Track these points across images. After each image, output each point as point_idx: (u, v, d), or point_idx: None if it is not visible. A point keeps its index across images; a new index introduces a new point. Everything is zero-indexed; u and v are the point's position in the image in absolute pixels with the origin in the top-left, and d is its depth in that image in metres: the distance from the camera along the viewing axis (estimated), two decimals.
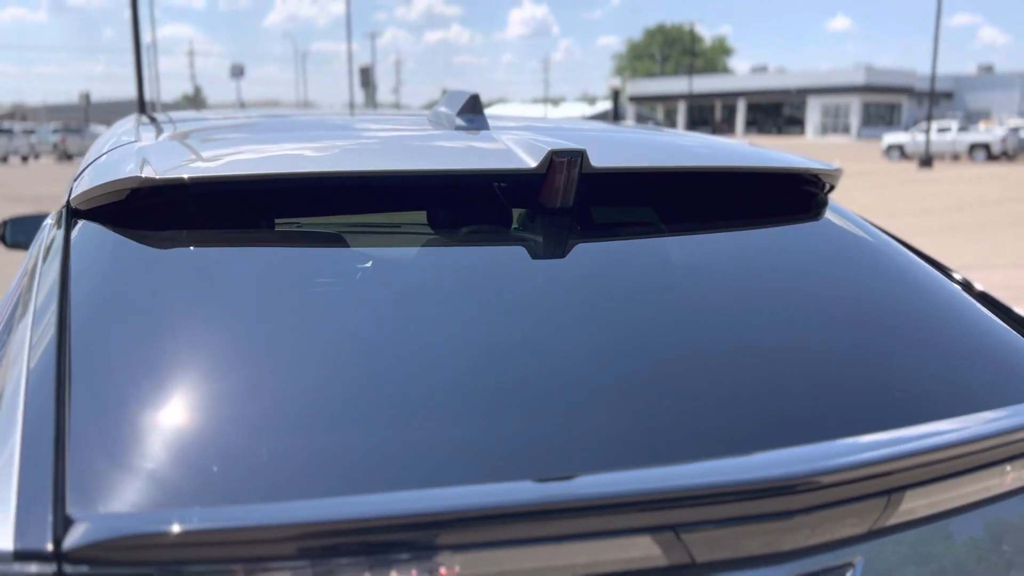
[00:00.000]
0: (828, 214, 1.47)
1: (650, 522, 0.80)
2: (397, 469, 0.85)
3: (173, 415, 0.86)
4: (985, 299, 1.35)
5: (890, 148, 32.55)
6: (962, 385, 1.13)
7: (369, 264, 1.18)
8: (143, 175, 1.09)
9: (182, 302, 1.04)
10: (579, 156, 1.16)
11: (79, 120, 52.09)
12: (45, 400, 0.84)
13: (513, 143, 1.26)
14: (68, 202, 1.21)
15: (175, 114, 1.98)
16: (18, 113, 77.58)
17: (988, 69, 67.11)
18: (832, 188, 1.54)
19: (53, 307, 0.99)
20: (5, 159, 35.21)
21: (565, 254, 1.22)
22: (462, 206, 1.26)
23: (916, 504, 0.90)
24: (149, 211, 1.13)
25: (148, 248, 1.10)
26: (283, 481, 0.81)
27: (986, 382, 1.14)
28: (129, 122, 1.78)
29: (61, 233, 1.16)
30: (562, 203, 1.20)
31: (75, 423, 0.82)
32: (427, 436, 0.90)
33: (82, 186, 1.20)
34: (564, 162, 1.16)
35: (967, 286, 1.38)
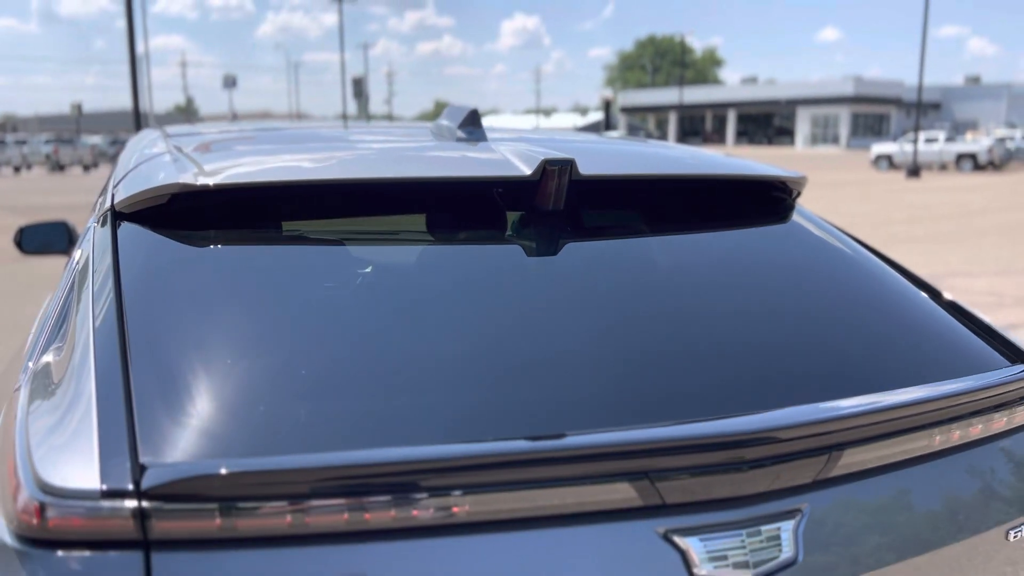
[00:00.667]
0: (795, 217, 1.62)
1: (628, 468, 0.95)
2: (413, 428, 1.00)
3: (218, 382, 1.01)
4: (929, 290, 1.51)
5: (879, 158, 32.92)
6: (904, 363, 1.29)
7: (382, 259, 1.33)
8: (181, 181, 1.24)
9: (218, 287, 1.19)
10: (569, 164, 1.31)
11: (71, 131, 52.21)
12: (113, 372, 0.99)
13: (509, 153, 1.42)
14: (112, 206, 1.36)
15: (188, 127, 2.13)
16: (9, 124, 77.63)
17: (975, 80, 67.93)
18: (799, 194, 1.69)
19: (110, 293, 1.14)
20: None
21: (557, 252, 1.37)
22: (464, 210, 1.42)
23: (854, 460, 1.05)
24: (186, 212, 1.28)
25: (185, 244, 1.25)
26: (311, 435, 0.97)
27: (924, 362, 1.30)
28: (151, 136, 1.94)
29: (108, 232, 1.31)
30: (554, 207, 1.35)
31: (139, 389, 0.97)
32: (435, 404, 1.05)
33: (123, 193, 1.35)
34: (556, 170, 1.31)
35: (919, 282, 1.53)
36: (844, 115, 58.94)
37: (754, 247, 1.54)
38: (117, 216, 1.34)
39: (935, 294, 1.50)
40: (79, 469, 0.87)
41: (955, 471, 1.15)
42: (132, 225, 1.30)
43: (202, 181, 1.25)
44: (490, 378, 1.11)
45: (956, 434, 1.14)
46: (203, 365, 1.03)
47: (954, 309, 1.46)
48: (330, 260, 1.30)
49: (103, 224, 1.37)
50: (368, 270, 1.30)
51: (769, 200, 1.66)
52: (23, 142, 38.38)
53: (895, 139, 44.50)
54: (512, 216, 1.40)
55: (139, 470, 0.86)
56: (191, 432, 0.94)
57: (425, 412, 1.03)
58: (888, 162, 32.43)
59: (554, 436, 0.97)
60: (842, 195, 19.40)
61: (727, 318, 1.32)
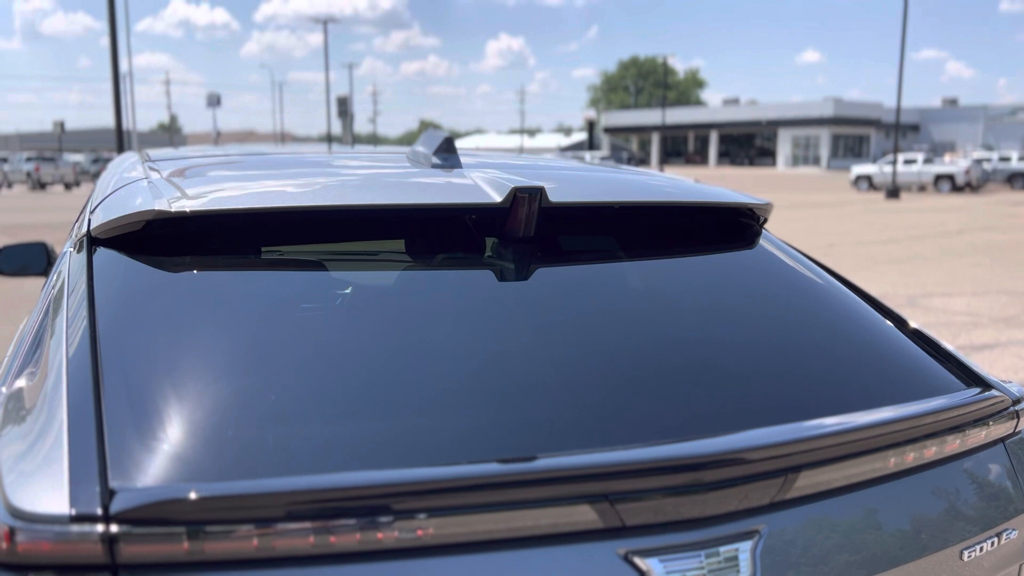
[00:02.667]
0: (761, 242, 1.66)
1: (589, 491, 0.97)
2: (379, 451, 1.02)
3: (190, 408, 1.03)
4: (890, 315, 1.55)
5: (858, 179, 33.35)
6: (865, 388, 1.32)
7: (355, 285, 1.36)
8: (156, 208, 1.26)
9: (193, 313, 1.21)
10: (539, 192, 1.35)
11: (53, 149, 51.95)
12: (85, 397, 1.01)
13: (481, 180, 1.45)
14: (88, 232, 1.38)
15: (170, 151, 2.15)
16: None
17: (953, 102, 68.95)
18: (765, 220, 1.74)
19: (84, 319, 1.16)
20: None
21: (527, 277, 1.40)
22: (436, 236, 1.45)
23: (811, 481, 1.08)
24: (162, 239, 1.30)
25: (160, 270, 1.27)
26: (279, 460, 0.99)
27: (885, 386, 1.33)
28: (130, 160, 1.96)
29: (83, 258, 1.33)
30: (524, 233, 1.38)
31: (110, 414, 0.99)
32: (402, 428, 1.07)
33: (100, 218, 1.37)
34: (525, 197, 1.35)
35: (882, 308, 1.57)
36: (824, 136, 59.67)
37: (721, 272, 1.58)
38: (93, 241, 1.36)
39: (897, 319, 1.54)
40: (49, 494, 0.89)
41: (910, 492, 1.18)
42: (108, 251, 1.32)
43: (177, 208, 1.27)
44: (456, 402, 1.13)
45: (911, 456, 1.17)
46: (175, 390, 1.05)
47: (914, 334, 1.50)
48: (303, 286, 1.33)
49: (79, 249, 1.39)
50: (341, 295, 1.33)
51: (737, 226, 1.70)
52: (4, 160, 38.14)
53: (875, 160, 45.10)
54: (483, 243, 1.44)
55: (108, 494, 0.88)
56: (162, 457, 0.95)
57: (392, 436, 1.06)
58: (868, 183, 32.86)
59: (518, 459, 1.00)
60: (822, 215, 19.61)
61: (693, 342, 1.35)
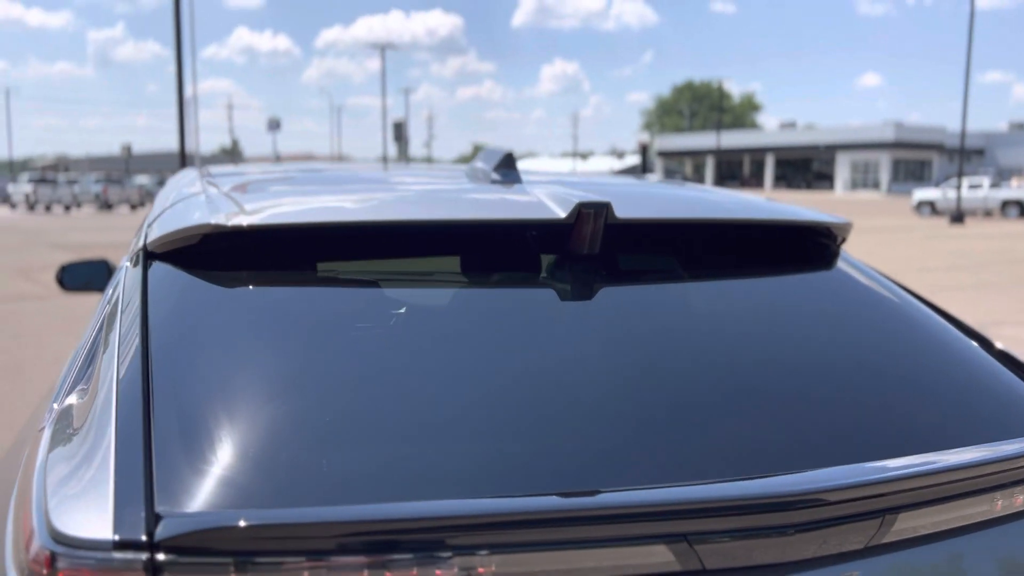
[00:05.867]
0: (840, 264, 1.57)
1: (666, 530, 0.89)
2: (439, 481, 0.96)
3: (242, 429, 0.98)
4: (985, 344, 1.44)
5: (921, 204, 32.47)
6: (956, 420, 1.22)
7: (412, 304, 1.31)
8: (213, 222, 1.23)
9: (247, 331, 1.17)
10: (605, 207, 1.28)
11: (120, 171, 53.72)
12: (133, 416, 0.97)
13: (544, 195, 1.39)
14: (144, 246, 1.36)
15: (229, 168, 2.15)
16: (62, 164, 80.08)
17: (1020, 126, 66.88)
18: (844, 240, 1.64)
19: (136, 335, 1.13)
20: (49, 208, 36.33)
21: (591, 298, 1.33)
22: (496, 253, 1.39)
23: (908, 525, 0.98)
24: (218, 254, 1.27)
25: (215, 286, 1.23)
26: (334, 487, 0.93)
27: (977, 419, 1.23)
28: (189, 175, 1.95)
29: (139, 272, 1.31)
30: (589, 251, 1.32)
31: (159, 436, 0.95)
32: (464, 454, 1.01)
33: (156, 232, 1.35)
34: (591, 213, 1.28)
35: (970, 332, 1.46)
36: (885, 160, 58.39)
37: (797, 295, 1.49)
38: (149, 256, 1.33)
39: (988, 345, 1.43)
40: (93, 518, 0.84)
41: (1019, 539, 1.07)
42: (163, 265, 1.29)
43: (234, 222, 1.24)
44: (521, 430, 1.06)
45: (1019, 499, 1.06)
46: (228, 411, 1.01)
47: (1009, 361, 1.38)
48: (360, 305, 1.28)
49: (135, 264, 1.37)
50: (398, 315, 1.28)
51: (813, 246, 1.61)
52: (74, 182, 39.58)
53: (937, 185, 43.92)
54: (546, 260, 1.37)
55: (154, 520, 0.83)
56: (211, 481, 0.91)
57: (453, 464, 0.99)
58: (931, 208, 31.96)
59: (587, 493, 0.92)
60: (883, 240, 19.09)
61: (770, 369, 1.26)
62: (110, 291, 1.43)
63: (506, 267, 1.38)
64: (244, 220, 1.25)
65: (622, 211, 1.32)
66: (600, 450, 1.04)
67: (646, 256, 1.53)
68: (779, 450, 1.08)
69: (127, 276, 1.36)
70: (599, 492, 0.92)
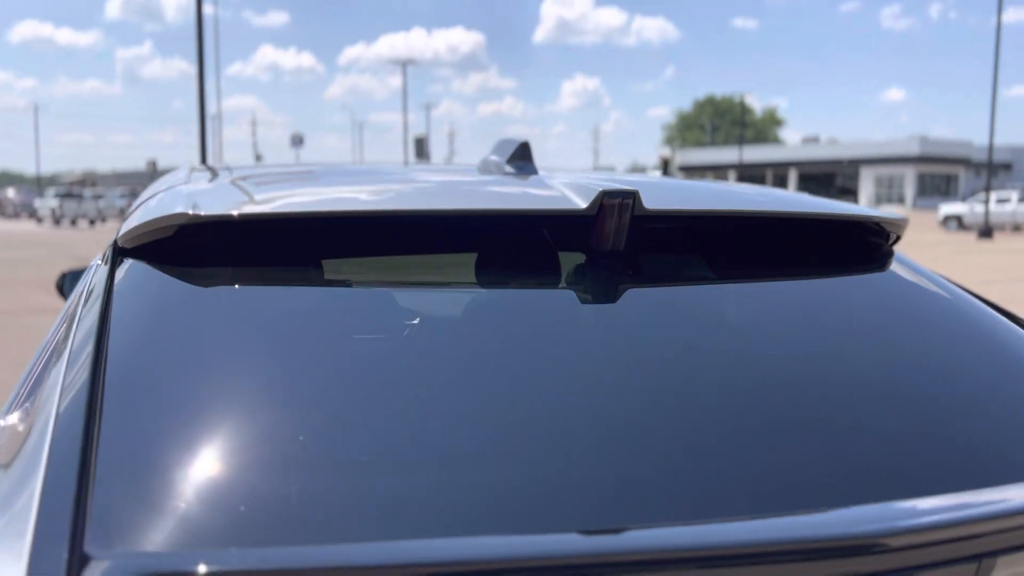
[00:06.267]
0: (894, 266, 1.39)
1: None
2: (441, 516, 0.79)
3: (201, 459, 0.82)
4: None
5: (947, 218, 31.98)
6: None
7: (414, 310, 1.15)
8: (190, 212, 1.08)
9: (216, 342, 1.01)
10: (632, 196, 1.12)
11: (145, 186, 54.30)
12: (72, 438, 0.81)
13: (563, 185, 1.23)
14: (115, 241, 1.21)
15: (227, 164, 2.01)
16: (88, 179, 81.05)
17: None
18: (898, 239, 1.47)
19: (91, 343, 0.97)
20: (74, 222, 36.72)
21: (615, 301, 1.17)
22: (508, 248, 1.23)
23: (1010, 573, 0.81)
24: (195, 249, 1.12)
25: (191, 285, 1.08)
26: (306, 526, 0.76)
27: None
28: (180, 171, 1.81)
29: (106, 271, 1.16)
30: (613, 247, 1.15)
31: (103, 462, 0.79)
32: (466, 482, 0.84)
33: (128, 225, 1.20)
34: (615, 204, 1.12)
35: None
36: (910, 175, 57.67)
37: (852, 300, 1.31)
38: (119, 252, 1.19)
39: None
40: (8, 561, 0.70)
41: None
42: (134, 263, 1.14)
43: (213, 211, 1.09)
44: (537, 455, 0.89)
45: None
46: (188, 435, 0.84)
47: None
48: (349, 309, 1.12)
49: (104, 261, 1.22)
50: (397, 322, 1.12)
51: (864, 245, 1.44)
52: (100, 196, 40.06)
53: (964, 199, 43.26)
54: (563, 258, 1.21)
55: (80, 563, 0.69)
56: (162, 517, 0.74)
57: (457, 496, 0.82)
58: (957, 222, 31.47)
59: (614, 531, 0.75)
60: (911, 255, 18.65)
61: (827, 385, 1.09)
62: (76, 292, 1.28)
63: (517, 265, 1.22)
64: (225, 210, 1.10)
65: (651, 202, 1.16)
66: (631, 480, 0.86)
67: (677, 254, 1.36)
68: (847, 480, 0.90)
69: (94, 276, 1.21)
70: (629, 529, 0.75)
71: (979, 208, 29.60)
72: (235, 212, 1.09)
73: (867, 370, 1.14)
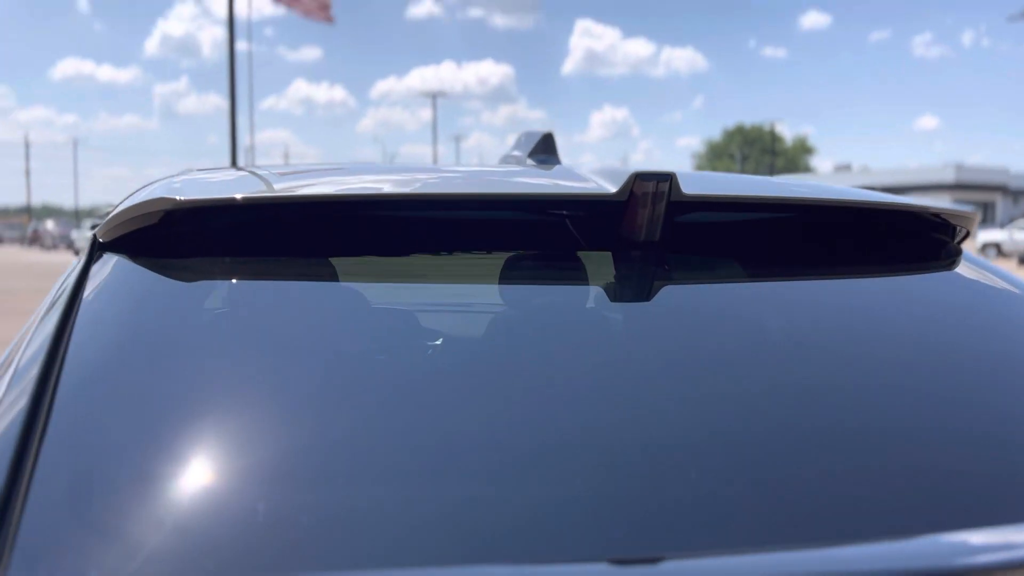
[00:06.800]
0: (963, 266, 1.23)
1: None
2: (445, 543, 0.69)
3: (154, 484, 0.70)
4: None
5: (986, 246, 31.39)
6: None
7: (412, 311, 1.02)
8: (170, 197, 0.97)
9: (201, 342, 0.89)
10: (668, 179, 0.98)
11: None
12: (5, 450, 0.70)
13: (590, 172, 1.10)
14: (95, 234, 1.10)
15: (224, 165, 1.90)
16: None
17: None
18: (967, 235, 1.31)
19: (44, 351, 0.84)
20: None
21: (648, 299, 1.03)
22: (527, 242, 1.09)
23: None
24: (178, 240, 1.01)
25: (174, 281, 0.97)
26: (283, 558, 0.66)
27: None
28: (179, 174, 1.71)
29: (81, 266, 1.04)
30: (647, 236, 1.02)
31: (38, 486, 0.68)
32: (480, 511, 0.71)
33: (110, 215, 1.09)
34: (650, 187, 0.98)
35: None
36: (945, 202, 56.98)
37: (917, 304, 1.15)
38: (97, 247, 1.07)
39: None
40: None
41: None
42: (112, 256, 1.03)
43: (201, 196, 0.98)
44: (561, 475, 0.75)
45: None
46: (138, 460, 0.72)
47: None
48: (354, 307, 0.99)
49: (82, 256, 1.11)
50: (405, 323, 1.00)
51: (928, 242, 1.28)
52: None
53: (1002, 226, 42.54)
54: (592, 251, 1.08)
55: None
56: (101, 545, 0.65)
57: (462, 520, 0.71)
58: (996, 250, 30.88)
59: (650, 560, 0.67)
60: None
61: (884, 399, 0.94)
62: (51, 292, 1.17)
63: (539, 262, 1.08)
64: (216, 194, 0.99)
65: (690, 186, 1.02)
66: (663, 502, 0.74)
67: (719, 247, 1.21)
68: (909, 504, 0.76)
69: (70, 273, 1.10)
70: (665, 560, 0.67)
71: (1018, 235, 29.04)
72: (227, 196, 0.97)
73: (938, 384, 0.99)
